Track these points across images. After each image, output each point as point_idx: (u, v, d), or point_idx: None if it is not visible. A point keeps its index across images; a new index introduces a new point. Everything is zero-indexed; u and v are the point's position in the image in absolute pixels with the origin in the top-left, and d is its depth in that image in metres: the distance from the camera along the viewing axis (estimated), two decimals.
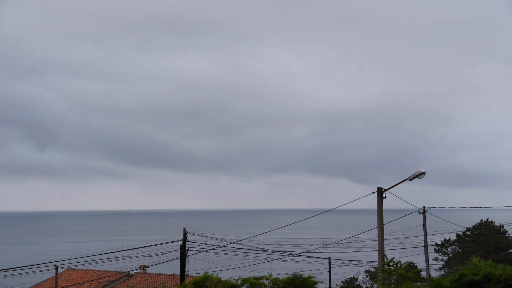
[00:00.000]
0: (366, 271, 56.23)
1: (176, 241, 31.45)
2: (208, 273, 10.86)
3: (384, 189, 22.65)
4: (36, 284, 38.68)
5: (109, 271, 38.45)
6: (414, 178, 22.20)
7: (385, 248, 22.54)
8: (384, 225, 22.84)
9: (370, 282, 54.29)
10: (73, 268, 40.29)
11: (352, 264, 47.72)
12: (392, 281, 11.26)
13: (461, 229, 53.37)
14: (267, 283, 10.55)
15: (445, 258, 57.05)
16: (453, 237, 56.80)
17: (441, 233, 53.20)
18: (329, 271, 41.73)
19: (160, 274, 37.99)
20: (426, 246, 39.18)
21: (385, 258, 19.54)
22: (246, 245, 33.91)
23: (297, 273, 10.68)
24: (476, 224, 55.43)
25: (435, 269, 53.87)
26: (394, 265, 11.58)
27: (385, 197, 22.57)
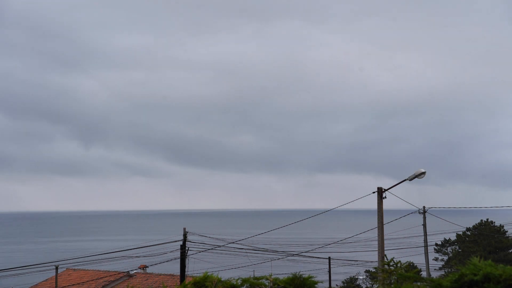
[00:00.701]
0: (366, 271, 56.25)
1: (176, 241, 31.46)
2: (208, 273, 10.85)
3: (384, 189, 22.64)
4: (36, 284, 38.67)
5: (109, 271, 38.45)
6: (414, 178, 22.19)
7: (385, 248, 22.54)
8: (384, 225, 22.85)
9: (370, 282, 54.30)
10: (73, 268, 40.30)
11: (352, 264, 47.74)
12: (392, 281, 11.27)
13: (461, 229, 53.37)
14: (267, 283, 10.55)
15: (445, 258, 57.04)
16: (453, 237, 56.81)
17: (441, 233, 53.19)
18: (329, 271, 41.74)
19: (160, 274, 37.99)
20: (426, 246, 39.18)
21: (385, 258, 19.55)
22: (246, 245, 33.91)
23: (297, 273, 10.68)
24: (476, 224, 55.43)
25: (435, 269, 53.85)
26: (394, 265, 11.58)
27: (385, 197, 22.57)
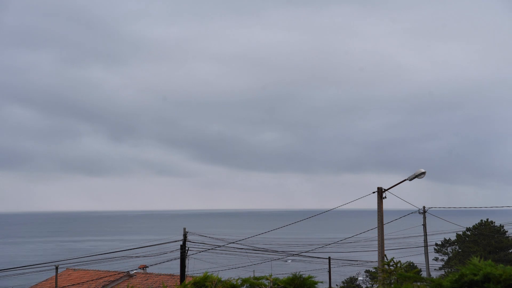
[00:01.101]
0: (366, 271, 56.25)
1: (176, 241, 31.46)
2: (208, 273, 10.85)
3: (384, 189, 22.64)
4: (36, 284, 38.67)
5: (109, 271, 38.45)
6: (414, 178, 22.18)
7: (385, 248, 22.54)
8: (384, 225, 22.84)
9: (370, 282, 54.29)
10: (73, 268, 40.30)
11: (352, 264, 47.75)
12: (392, 281, 11.27)
13: (461, 229, 53.35)
14: (267, 283, 10.54)
15: (445, 258, 57.03)
16: (453, 237, 56.79)
17: (441, 233, 53.19)
18: (329, 271, 41.74)
19: (160, 274, 38.00)
20: (426, 246, 39.16)
21: (385, 258, 19.54)
22: (246, 245, 33.91)
23: (297, 273, 10.67)
24: (476, 224, 55.41)
25: (435, 269, 53.85)
26: (394, 265, 11.59)
27: (385, 197, 22.56)
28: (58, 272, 33.72)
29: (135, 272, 38.71)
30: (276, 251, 42.31)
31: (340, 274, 63.83)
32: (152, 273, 38.49)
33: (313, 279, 10.55)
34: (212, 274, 10.88)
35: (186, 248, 29.49)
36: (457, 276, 8.22)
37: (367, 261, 47.72)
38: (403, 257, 17.02)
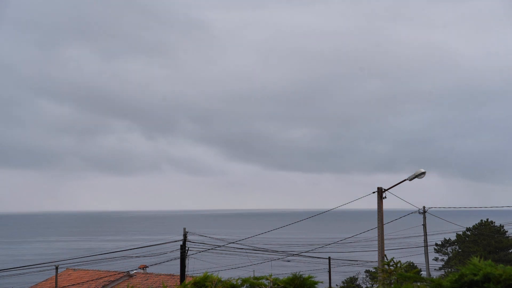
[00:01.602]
0: (366, 271, 56.23)
1: (176, 241, 31.46)
2: (208, 273, 10.85)
3: (384, 189, 22.65)
4: (36, 284, 38.68)
5: (109, 271, 38.46)
6: (414, 178, 22.19)
7: (385, 248, 22.54)
8: (384, 225, 22.85)
9: (370, 282, 54.27)
10: (73, 268, 40.31)
11: (352, 264, 47.73)
12: (392, 281, 11.26)
13: (461, 229, 53.36)
14: (267, 283, 10.54)
15: (445, 258, 57.03)
16: (453, 237, 56.80)
17: (441, 233, 53.19)
18: (329, 271, 41.74)
19: (160, 274, 37.99)
20: (426, 246, 39.17)
21: (385, 258, 19.54)
22: (246, 245, 33.91)
23: (297, 273, 10.67)
24: (476, 224, 55.41)
25: (435, 269, 53.85)
26: (394, 265, 11.58)
27: (385, 197, 22.56)
28: (58, 272, 33.74)
29: (135, 272, 38.71)
30: (276, 251, 42.31)
31: (340, 274, 63.85)
32: (152, 273, 38.48)
33: (313, 279, 10.54)
34: (212, 274, 10.88)
35: (186, 248, 29.48)
36: (457, 276, 8.22)
37: (367, 261, 47.70)
38: (403, 257, 17.02)
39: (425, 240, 38.89)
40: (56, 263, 32.51)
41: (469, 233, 55.01)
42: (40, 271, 32.38)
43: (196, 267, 29.99)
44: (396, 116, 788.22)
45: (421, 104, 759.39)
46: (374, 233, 24.03)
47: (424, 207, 37.63)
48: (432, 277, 25.10)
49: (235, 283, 10.53)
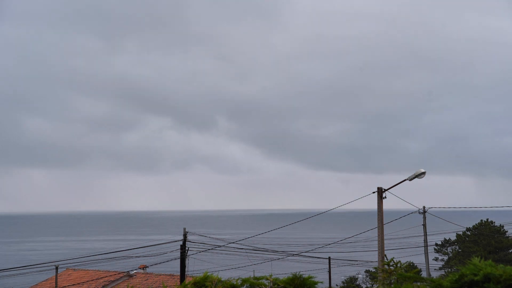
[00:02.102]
0: (366, 271, 56.23)
1: (176, 241, 31.46)
2: (208, 273, 10.84)
3: (384, 189, 22.65)
4: (36, 284, 38.69)
5: (109, 271, 38.46)
6: (414, 178, 22.18)
7: (385, 248, 22.54)
8: (384, 225, 22.84)
9: (370, 282, 54.27)
10: (73, 268, 40.31)
11: (352, 264, 47.73)
12: (392, 281, 11.26)
13: (461, 229, 53.35)
14: (267, 283, 10.53)
15: (445, 258, 57.03)
16: (453, 237, 56.79)
17: (441, 233, 53.19)
18: (329, 271, 41.74)
19: (160, 274, 38.00)
20: (426, 246, 39.16)
21: (385, 258, 19.53)
22: (246, 245, 33.90)
23: (297, 273, 10.66)
24: (476, 224, 55.41)
25: (435, 269, 53.85)
26: (394, 265, 11.57)
27: (385, 197, 22.56)
28: (58, 272, 33.73)
29: (135, 272, 38.71)
30: (276, 251, 42.30)
31: (340, 274, 63.84)
32: (152, 273, 38.49)
33: (313, 279, 10.54)
34: (212, 274, 10.87)
35: (186, 248, 29.48)
36: (457, 276, 8.21)
37: (367, 261, 47.70)
38: (403, 257, 17.01)
39: (425, 240, 38.89)
40: (56, 263, 32.50)
41: (469, 233, 55.01)
42: (40, 271, 32.38)
43: (196, 267, 30.00)
44: (436, 111, 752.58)
45: (463, 98, 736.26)
46: (374, 233, 24.03)
47: (424, 207, 37.64)
48: (432, 277, 25.11)
49: (235, 283, 10.52)
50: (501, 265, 8.05)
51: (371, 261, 42.81)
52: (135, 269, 39.71)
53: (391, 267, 11.58)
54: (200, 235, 32.61)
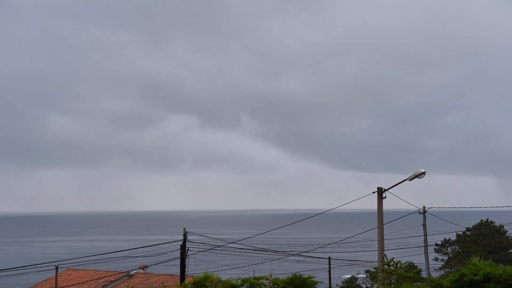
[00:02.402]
0: (366, 271, 56.24)
1: (176, 241, 31.46)
2: (208, 273, 10.84)
3: (384, 189, 22.65)
4: (36, 284, 38.68)
5: (109, 271, 38.46)
6: (414, 178, 22.18)
7: (385, 248, 22.54)
8: (384, 225, 22.84)
9: (370, 282, 54.28)
10: (73, 268, 40.30)
11: (352, 264, 47.72)
12: (392, 281, 11.25)
13: (461, 229, 53.36)
14: (267, 283, 10.53)
15: (445, 258, 57.04)
16: (453, 237, 56.79)
17: (441, 233, 53.20)
18: (329, 271, 41.73)
19: (160, 274, 37.99)
20: (426, 246, 39.15)
21: (385, 258, 19.53)
22: (246, 245, 33.91)
23: (297, 273, 10.66)
24: (476, 224, 55.42)
25: (435, 269, 53.88)
26: (394, 265, 11.57)
27: (385, 197, 22.56)
28: (58, 272, 33.73)
29: (135, 272, 38.71)
30: (276, 251, 42.30)
31: (340, 274, 63.85)
32: (152, 273, 38.48)
33: (313, 279, 10.53)
34: (212, 274, 10.87)
35: (186, 248, 29.48)
36: (457, 276, 8.21)
37: (367, 261, 47.70)
38: (403, 257, 17.01)
39: (425, 240, 38.88)
40: (56, 263, 32.50)
41: (469, 233, 55.02)
42: (40, 271, 32.35)
43: (196, 267, 30.00)
44: (463, 107, 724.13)
45: (497, 92, 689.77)
46: (374, 233, 24.03)
47: (424, 207, 37.64)
48: (432, 277, 25.10)
49: (235, 283, 10.52)
50: (501, 265, 8.05)
51: (371, 261, 42.81)
52: (135, 269, 39.71)
53: (391, 267, 11.58)
54: (200, 235, 32.62)
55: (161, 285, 34.13)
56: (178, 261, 29.68)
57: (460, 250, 54.50)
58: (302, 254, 43.09)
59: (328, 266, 42.12)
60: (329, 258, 42.46)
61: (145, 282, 35.90)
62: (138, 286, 34.24)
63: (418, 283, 9.88)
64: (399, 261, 11.74)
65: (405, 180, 22.54)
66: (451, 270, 50.35)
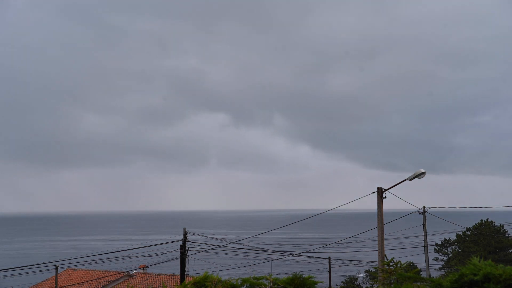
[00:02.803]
0: (366, 271, 56.25)
1: (176, 241, 31.46)
2: (208, 273, 10.84)
3: (384, 189, 22.64)
4: (36, 284, 38.67)
5: (109, 271, 38.45)
6: (414, 178, 22.18)
7: (385, 248, 22.54)
8: (384, 225, 22.84)
9: (370, 282, 54.29)
10: (73, 268, 40.30)
11: (352, 264, 47.74)
12: (392, 281, 11.25)
13: (461, 229, 53.36)
14: (267, 283, 10.53)
15: (445, 258, 57.04)
16: (453, 237, 56.79)
17: (441, 233, 53.20)
18: (329, 271, 41.73)
19: (160, 274, 37.98)
20: (426, 246, 39.16)
21: (385, 258, 19.53)
22: (246, 245, 33.90)
23: (297, 273, 10.66)
24: (476, 224, 55.42)
25: (435, 269, 53.87)
26: (394, 265, 11.57)
27: (385, 197, 22.56)
28: (58, 272, 33.72)
29: (135, 272, 38.70)
30: (276, 251, 42.30)
31: (340, 274, 63.83)
32: (152, 273, 38.48)
33: (313, 279, 10.54)
34: (212, 274, 10.87)
35: (186, 248, 29.47)
36: (457, 276, 8.21)
37: (367, 261, 47.71)
38: (403, 257, 17.01)
39: (425, 240, 38.88)
40: (56, 263, 32.50)
41: (469, 233, 55.02)
42: (40, 271, 32.35)
43: (196, 267, 30.00)
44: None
45: None
46: (374, 233, 24.03)
47: (424, 207, 37.64)
48: (432, 277, 25.10)
49: (235, 283, 10.52)
50: (501, 265, 8.05)
51: (371, 261, 42.83)
52: (135, 269, 39.71)
53: (391, 267, 11.58)
54: (200, 235, 32.61)
55: (161, 285, 34.13)
56: (178, 261, 29.68)
57: (460, 250, 54.50)
58: (302, 254, 43.10)
59: (328, 266, 42.14)
60: (329, 258, 42.47)
61: (145, 282, 35.90)
62: (138, 286, 34.24)
63: (418, 283, 9.88)
64: (399, 261, 11.74)
65: (405, 180, 22.54)
66: (451, 270, 50.34)
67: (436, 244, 58.44)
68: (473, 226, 55.22)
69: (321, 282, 11.52)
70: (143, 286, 34.61)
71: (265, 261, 40.82)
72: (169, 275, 37.27)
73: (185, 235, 29.78)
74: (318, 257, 42.93)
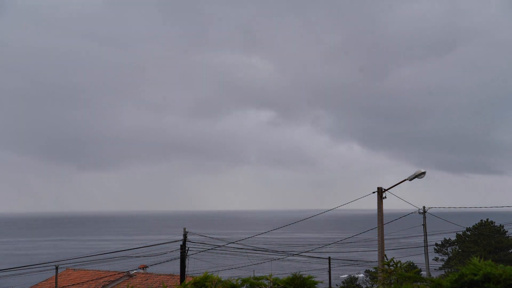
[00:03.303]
0: (366, 271, 56.25)
1: (176, 241, 31.45)
2: (208, 273, 10.84)
3: (384, 189, 22.63)
4: (36, 284, 38.67)
5: (109, 271, 38.45)
6: (414, 178, 22.18)
7: (385, 248, 22.53)
8: (384, 225, 22.83)
9: (370, 282, 54.28)
10: (73, 268, 40.29)
11: (352, 264, 47.75)
12: (392, 281, 11.26)
13: (461, 229, 53.36)
14: (267, 283, 10.54)
15: (445, 258, 57.03)
16: (453, 237, 56.79)
17: (441, 233, 53.21)
18: (329, 271, 41.73)
19: (160, 274, 37.98)
20: (426, 246, 39.16)
21: (385, 258, 19.53)
22: (246, 245, 33.90)
23: (297, 273, 10.66)
24: (476, 224, 55.42)
25: (435, 269, 53.85)
26: (394, 265, 11.57)
27: (385, 197, 22.55)
28: (58, 272, 33.73)
29: (135, 272, 38.70)
30: (276, 251, 42.30)
31: (340, 274, 63.85)
32: (152, 273, 38.47)
33: (313, 279, 10.54)
34: (212, 274, 10.87)
35: (186, 248, 29.47)
36: (457, 276, 8.21)
37: (367, 261, 47.72)
38: (403, 257, 17.03)
39: (425, 240, 38.88)
40: (56, 263, 32.49)
41: (469, 233, 55.01)
42: (40, 271, 32.34)
43: (196, 267, 30.00)
44: None
45: None
46: (374, 233, 24.02)
47: (424, 207, 37.63)
48: (432, 277, 25.10)
49: (235, 283, 10.52)
50: (501, 265, 8.06)
51: (371, 261, 42.82)
52: (135, 269, 39.69)
53: (391, 267, 11.58)
54: (200, 235, 32.59)
55: (161, 285, 34.13)
56: (178, 261, 29.67)
57: (460, 250, 54.49)
58: (302, 254, 43.10)
59: (328, 266, 42.14)
60: (329, 258, 42.47)
61: (145, 282, 35.90)
62: (138, 286, 34.25)
63: (418, 283, 9.89)
64: (399, 261, 11.74)
65: (405, 180, 22.53)
66: (451, 270, 50.33)
67: (436, 244, 58.44)
68: (473, 226, 55.23)
69: (321, 282, 11.53)
70: (143, 286, 34.61)
71: (265, 261, 40.82)
72: (169, 275, 37.26)
73: (185, 235, 29.78)
74: (318, 257, 42.94)
